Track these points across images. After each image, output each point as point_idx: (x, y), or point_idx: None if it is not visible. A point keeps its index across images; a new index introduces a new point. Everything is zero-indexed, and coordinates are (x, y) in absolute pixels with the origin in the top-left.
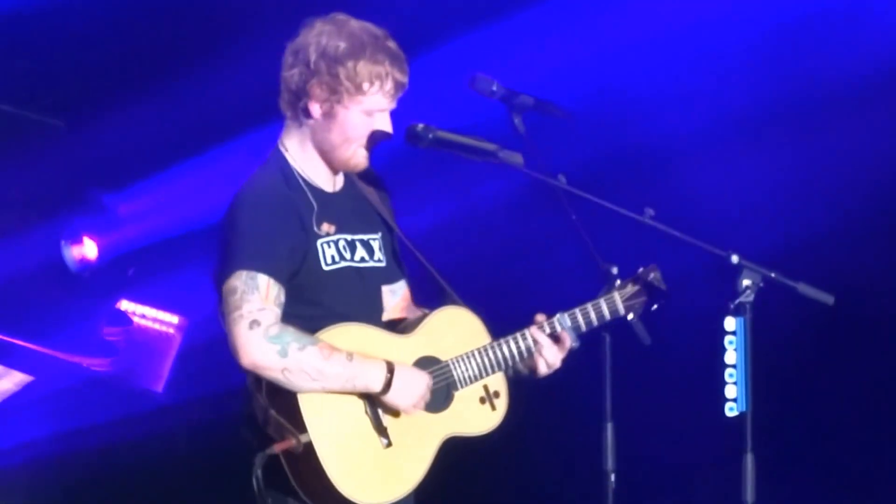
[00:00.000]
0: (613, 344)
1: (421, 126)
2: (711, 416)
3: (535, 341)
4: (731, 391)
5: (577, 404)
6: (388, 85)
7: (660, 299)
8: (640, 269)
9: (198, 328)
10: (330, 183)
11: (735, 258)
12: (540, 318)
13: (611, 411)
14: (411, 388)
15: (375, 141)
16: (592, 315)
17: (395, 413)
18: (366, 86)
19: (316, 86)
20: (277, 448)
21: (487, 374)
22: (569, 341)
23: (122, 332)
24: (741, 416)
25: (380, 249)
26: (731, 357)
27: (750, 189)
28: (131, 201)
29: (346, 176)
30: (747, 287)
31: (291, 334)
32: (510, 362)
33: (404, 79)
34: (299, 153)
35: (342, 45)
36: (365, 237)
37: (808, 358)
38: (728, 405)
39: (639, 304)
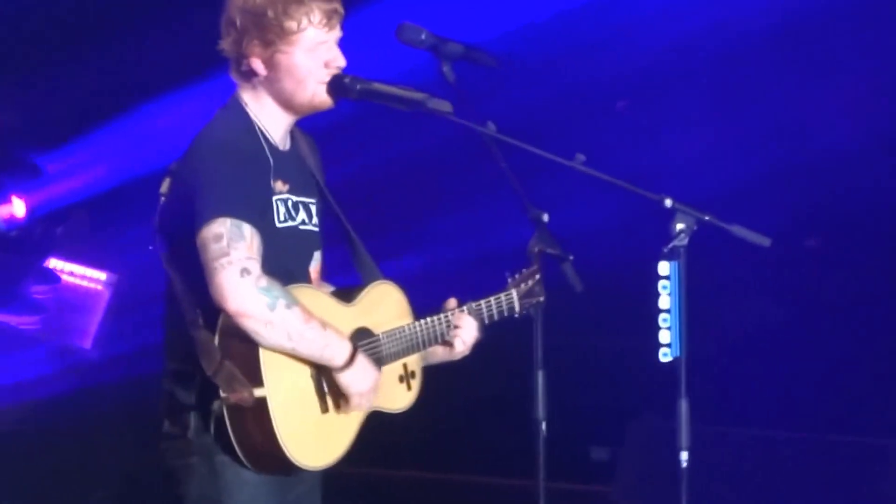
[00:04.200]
0: (545, 290)
1: (348, 78)
2: (646, 362)
3: (454, 325)
4: (664, 336)
5: (507, 352)
6: (316, 17)
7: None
8: (525, 269)
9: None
10: (283, 141)
11: (668, 201)
12: (452, 302)
13: (541, 359)
14: (365, 376)
15: (332, 75)
16: (494, 310)
17: (333, 382)
18: (293, 25)
19: (249, 44)
20: (233, 398)
21: (409, 353)
22: (477, 329)
23: (51, 290)
24: (675, 361)
25: (316, 214)
26: (664, 302)
27: (684, 133)
28: (59, 160)
29: (292, 137)
30: (681, 231)
31: (280, 289)
32: (429, 343)
33: (331, 5)
34: (258, 108)
35: None
36: (306, 200)
37: (744, 302)
38: (662, 350)
39: (528, 304)
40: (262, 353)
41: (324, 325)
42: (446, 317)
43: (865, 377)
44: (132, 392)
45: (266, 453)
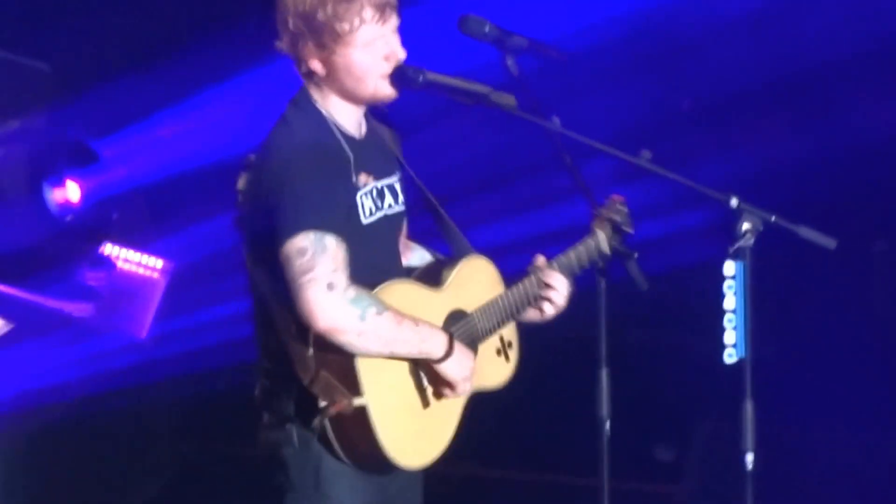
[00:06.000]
0: (609, 289)
1: (411, 69)
2: (710, 363)
3: (547, 285)
4: (730, 337)
5: (571, 350)
6: (368, 13)
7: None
8: (608, 202)
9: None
10: (357, 129)
11: (734, 201)
12: (540, 260)
13: (605, 357)
14: (464, 362)
15: (394, 67)
16: (584, 256)
17: (434, 374)
18: (345, 27)
19: (304, 47)
20: (334, 410)
21: (504, 324)
22: (569, 283)
23: (105, 277)
24: (740, 362)
25: (401, 192)
26: (730, 302)
27: (751, 133)
28: (116, 145)
29: (366, 119)
30: (747, 231)
31: (368, 298)
32: (523, 309)
33: None
34: (326, 102)
35: None
36: (390, 181)
37: (809, 303)
38: (727, 351)
39: (617, 243)
40: (359, 362)
41: (416, 321)
42: (537, 277)
43: None
44: (188, 385)
45: (369, 456)
